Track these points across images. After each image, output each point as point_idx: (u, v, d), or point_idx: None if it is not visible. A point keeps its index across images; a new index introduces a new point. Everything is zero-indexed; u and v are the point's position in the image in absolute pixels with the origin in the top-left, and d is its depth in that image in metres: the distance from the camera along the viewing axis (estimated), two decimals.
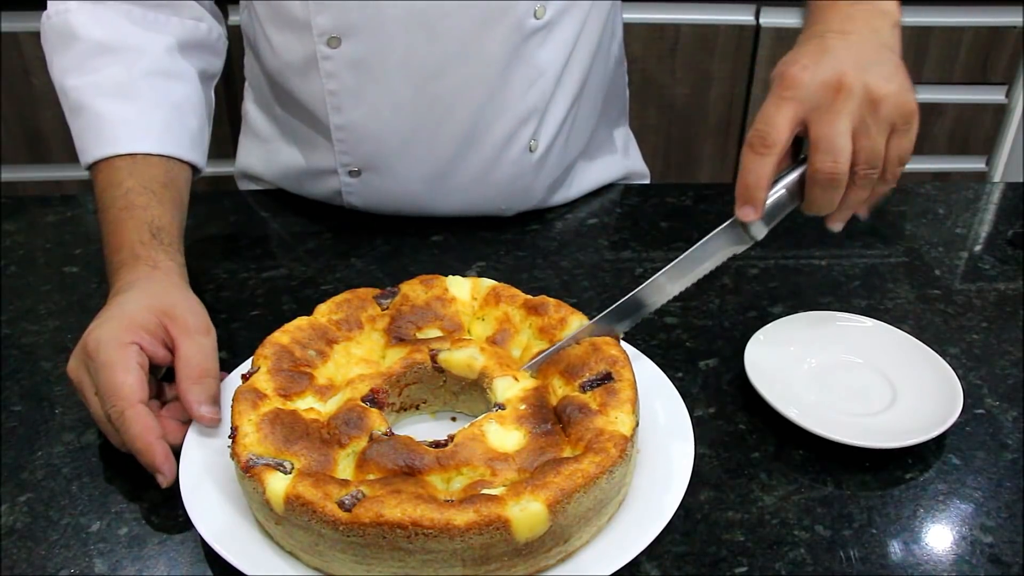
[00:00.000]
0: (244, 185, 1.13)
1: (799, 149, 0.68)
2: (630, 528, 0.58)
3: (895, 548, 0.60)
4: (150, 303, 0.68)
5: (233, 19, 0.96)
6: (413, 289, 0.73)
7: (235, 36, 0.98)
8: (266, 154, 1.06)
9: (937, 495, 0.65)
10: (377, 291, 0.73)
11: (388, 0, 0.85)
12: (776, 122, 0.66)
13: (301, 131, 0.99)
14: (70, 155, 2.04)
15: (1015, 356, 0.79)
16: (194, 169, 0.86)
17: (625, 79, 1.14)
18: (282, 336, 0.67)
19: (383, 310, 0.72)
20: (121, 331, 0.65)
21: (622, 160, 1.14)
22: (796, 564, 0.59)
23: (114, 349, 0.64)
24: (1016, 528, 0.62)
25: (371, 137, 0.94)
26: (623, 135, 1.16)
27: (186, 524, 0.61)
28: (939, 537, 0.61)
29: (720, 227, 0.69)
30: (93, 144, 0.81)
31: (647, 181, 1.18)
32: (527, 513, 0.52)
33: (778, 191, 0.68)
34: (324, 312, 0.70)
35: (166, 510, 0.63)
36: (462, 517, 0.52)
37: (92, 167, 0.81)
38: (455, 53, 0.88)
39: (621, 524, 0.59)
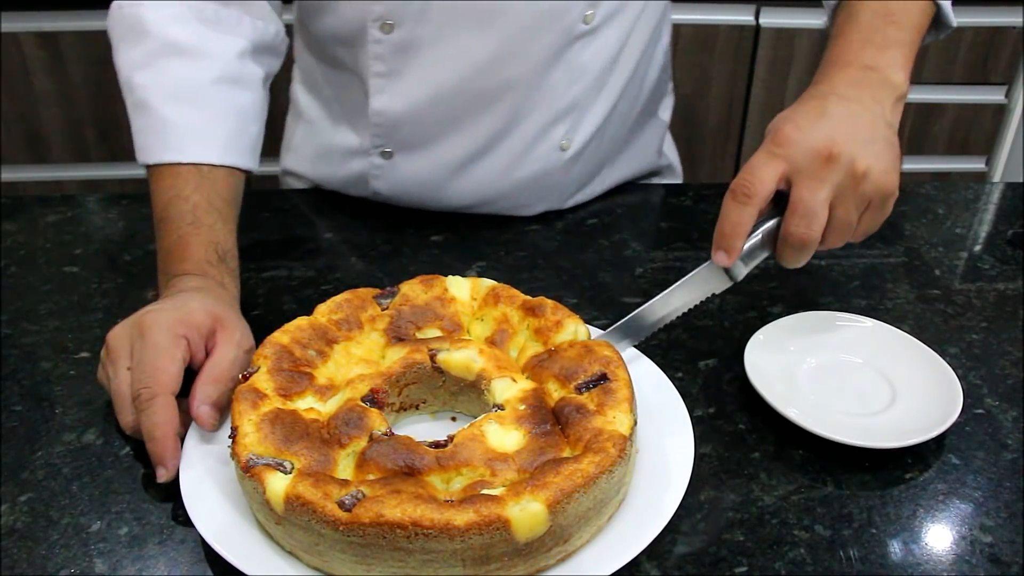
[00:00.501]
0: (287, 183, 1.15)
1: (782, 197, 0.69)
2: (630, 528, 0.58)
3: (895, 548, 0.60)
4: (210, 308, 0.69)
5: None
6: (413, 289, 0.73)
7: None
8: (306, 134, 1.07)
9: (937, 495, 0.65)
10: (377, 291, 0.73)
11: None
12: (761, 175, 0.67)
13: (340, 106, 1.00)
14: (70, 155, 2.05)
15: (1015, 356, 0.79)
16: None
17: (669, 84, 1.13)
18: (282, 336, 0.67)
19: (383, 310, 0.72)
20: (177, 322, 0.66)
21: (655, 160, 1.14)
22: (796, 564, 0.59)
23: (166, 335, 0.65)
24: (1016, 528, 0.62)
25: (407, 122, 0.95)
26: (660, 136, 1.15)
27: (186, 524, 0.61)
28: (939, 537, 0.61)
29: (700, 267, 0.71)
30: (157, 147, 0.81)
31: (679, 180, 1.18)
32: (527, 513, 0.52)
33: (754, 238, 0.70)
34: (324, 312, 0.70)
35: (166, 510, 0.63)
36: (462, 517, 0.52)
37: (151, 167, 0.82)
38: (503, 51, 0.89)
39: (621, 524, 0.59)
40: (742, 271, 0.71)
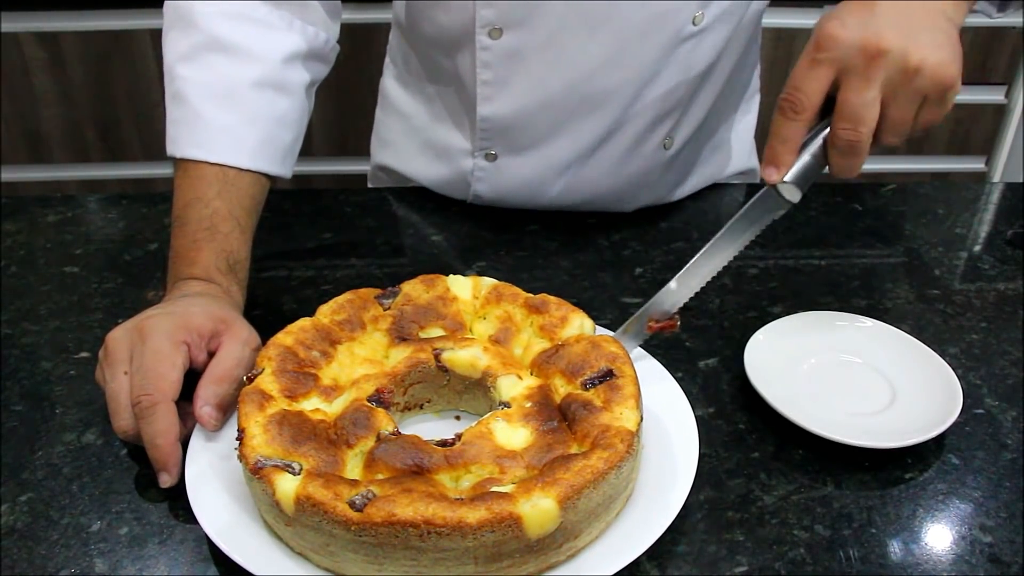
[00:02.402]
0: (377, 179, 1.15)
1: (833, 102, 0.67)
2: (638, 524, 0.58)
3: (895, 548, 0.60)
4: (213, 312, 0.69)
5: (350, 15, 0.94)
6: (414, 289, 0.73)
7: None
8: (403, 130, 1.08)
9: (937, 495, 0.65)
10: (378, 291, 0.73)
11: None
12: (807, 86, 0.65)
13: (442, 106, 1.00)
14: (70, 155, 2.05)
15: (1015, 356, 0.79)
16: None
17: (757, 83, 1.13)
18: (285, 337, 0.67)
19: (385, 310, 0.72)
20: (177, 328, 0.66)
21: (747, 158, 1.13)
22: (796, 564, 0.59)
23: (167, 341, 0.65)
24: (1015, 528, 0.62)
25: (514, 127, 0.95)
26: (752, 134, 1.15)
27: (186, 524, 0.61)
28: (939, 537, 0.61)
29: (755, 196, 0.69)
30: (187, 142, 0.81)
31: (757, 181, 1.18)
32: (538, 510, 0.53)
33: (805, 155, 0.67)
34: (326, 313, 0.70)
35: (166, 510, 0.63)
36: (474, 515, 0.52)
37: (178, 160, 0.81)
38: (613, 55, 0.89)
39: (628, 521, 0.59)
40: (796, 193, 0.68)
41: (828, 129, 0.67)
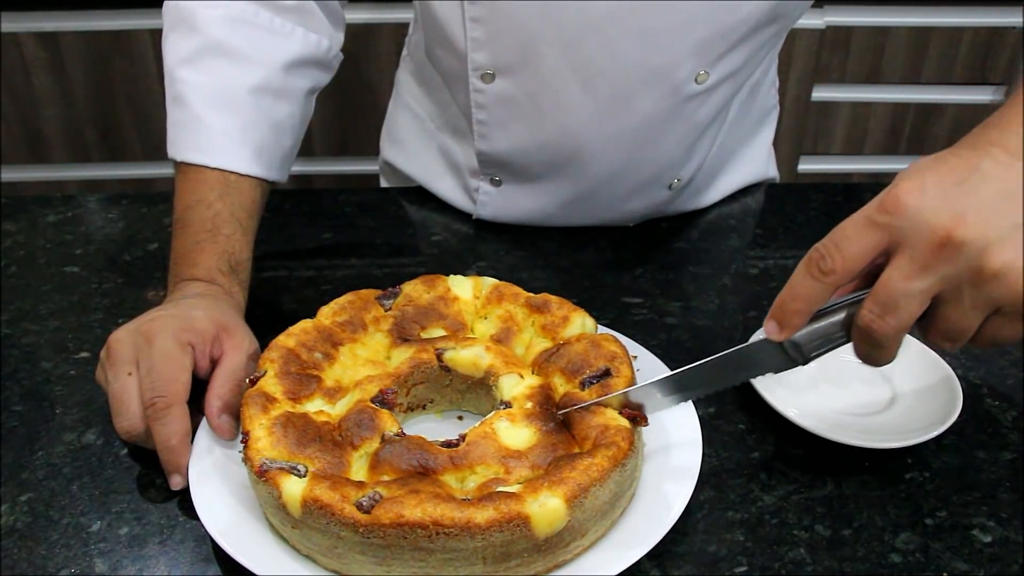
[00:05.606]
0: (386, 175, 1.15)
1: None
2: (640, 524, 0.58)
3: (895, 548, 0.60)
4: (214, 316, 0.69)
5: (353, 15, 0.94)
6: (415, 289, 0.73)
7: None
8: (416, 131, 1.07)
9: (937, 495, 0.65)
10: (379, 292, 0.73)
11: (547, 47, 0.85)
12: (847, 248, 0.52)
13: (458, 115, 1.00)
14: (70, 155, 2.05)
15: (1015, 356, 0.79)
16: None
17: (776, 98, 1.11)
18: (287, 339, 0.67)
19: (386, 311, 0.72)
20: (182, 330, 0.66)
21: (764, 169, 1.12)
22: (796, 564, 0.59)
23: (174, 343, 0.65)
24: (1016, 528, 0.62)
25: (513, 164, 0.95)
26: (768, 145, 1.13)
27: (187, 524, 0.61)
28: (939, 537, 0.61)
29: (752, 341, 0.60)
30: (188, 146, 0.81)
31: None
32: (546, 509, 0.53)
33: (833, 317, 0.55)
34: (327, 314, 0.70)
35: (166, 510, 0.63)
36: (482, 515, 0.52)
37: (179, 163, 0.81)
38: (609, 107, 0.87)
39: (632, 519, 0.59)
40: (807, 355, 0.57)
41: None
